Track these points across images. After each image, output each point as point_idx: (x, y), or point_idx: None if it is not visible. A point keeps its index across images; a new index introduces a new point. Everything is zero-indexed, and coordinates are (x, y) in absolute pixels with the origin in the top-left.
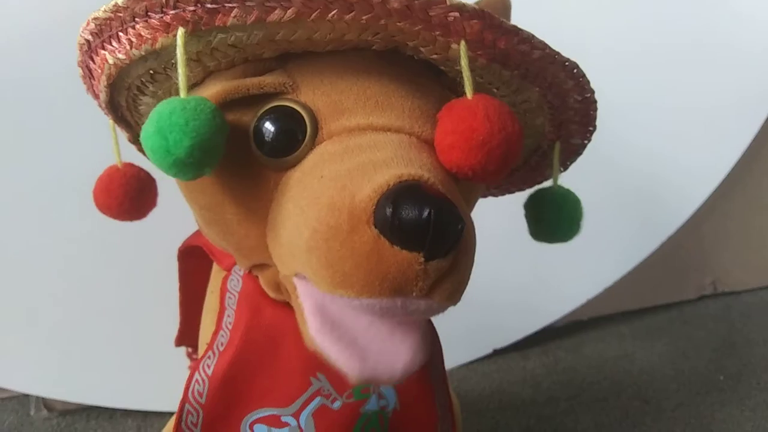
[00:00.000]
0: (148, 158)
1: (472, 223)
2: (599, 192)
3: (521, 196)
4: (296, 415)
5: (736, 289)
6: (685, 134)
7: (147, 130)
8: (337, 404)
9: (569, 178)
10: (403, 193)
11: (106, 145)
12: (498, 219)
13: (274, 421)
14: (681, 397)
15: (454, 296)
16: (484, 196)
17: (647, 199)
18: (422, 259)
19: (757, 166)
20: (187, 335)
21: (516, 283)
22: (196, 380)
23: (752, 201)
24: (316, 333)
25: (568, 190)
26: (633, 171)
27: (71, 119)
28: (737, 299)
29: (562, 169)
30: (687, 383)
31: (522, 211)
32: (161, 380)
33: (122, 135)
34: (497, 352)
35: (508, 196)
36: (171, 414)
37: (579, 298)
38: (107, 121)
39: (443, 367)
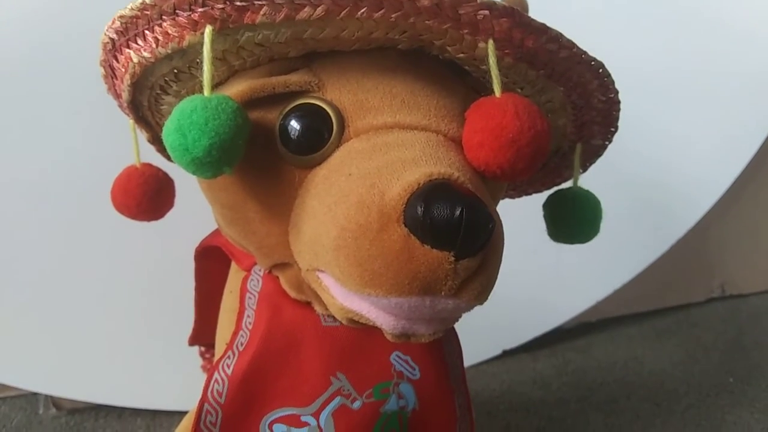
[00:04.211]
0: (167, 158)
1: (500, 222)
2: (608, 195)
3: (526, 198)
4: (316, 415)
5: (744, 291)
6: (694, 139)
7: (168, 127)
8: (357, 404)
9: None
10: (434, 191)
11: (121, 145)
12: (506, 222)
13: (293, 420)
14: (691, 399)
15: (481, 296)
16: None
17: (656, 203)
18: (452, 258)
19: (765, 170)
20: (202, 334)
21: (526, 284)
22: (216, 380)
23: (760, 204)
24: (344, 300)
25: (588, 192)
26: (642, 174)
27: (87, 116)
28: (745, 302)
29: (581, 170)
30: (696, 385)
31: (530, 213)
32: (171, 379)
33: (141, 135)
34: (507, 353)
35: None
36: (180, 413)
37: (588, 300)
38: (122, 119)
39: (462, 368)
